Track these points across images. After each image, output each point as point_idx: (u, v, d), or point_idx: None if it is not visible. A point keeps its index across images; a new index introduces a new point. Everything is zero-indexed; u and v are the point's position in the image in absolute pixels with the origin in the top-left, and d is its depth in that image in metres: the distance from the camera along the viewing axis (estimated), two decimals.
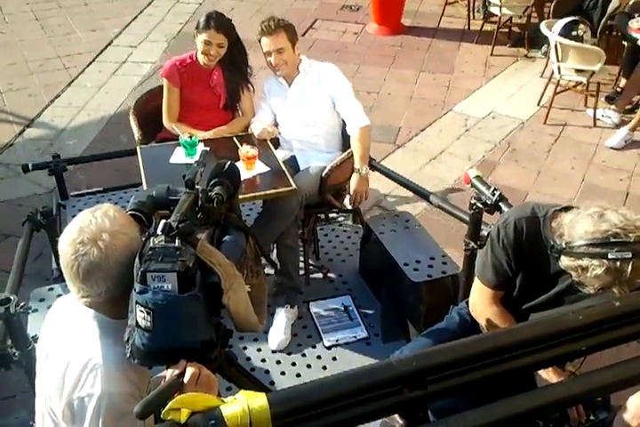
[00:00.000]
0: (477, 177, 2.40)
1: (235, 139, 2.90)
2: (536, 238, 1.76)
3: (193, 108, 3.12)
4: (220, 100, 3.09)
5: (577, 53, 4.43)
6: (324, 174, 2.80)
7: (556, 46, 4.47)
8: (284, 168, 2.73)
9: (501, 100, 4.88)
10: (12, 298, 1.85)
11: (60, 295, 2.32)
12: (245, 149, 2.65)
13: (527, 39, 5.65)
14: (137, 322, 1.20)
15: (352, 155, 2.84)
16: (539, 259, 1.78)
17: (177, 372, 1.21)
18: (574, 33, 4.45)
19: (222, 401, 0.88)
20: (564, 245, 1.60)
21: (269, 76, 3.03)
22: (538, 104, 4.81)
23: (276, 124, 3.04)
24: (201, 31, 2.90)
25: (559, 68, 4.55)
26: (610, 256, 1.51)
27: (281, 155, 2.94)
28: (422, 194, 2.96)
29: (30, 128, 4.64)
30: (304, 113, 2.93)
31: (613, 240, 1.52)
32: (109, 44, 5.84)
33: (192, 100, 3.10)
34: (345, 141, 3.00)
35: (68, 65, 5.45)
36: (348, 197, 2.94)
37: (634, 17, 4.54)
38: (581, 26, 4.52)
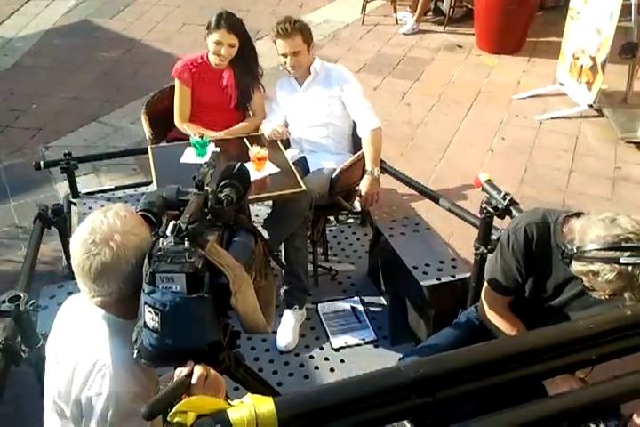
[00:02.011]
0: (488, 181, 2.38)
1: (245, 139, 2.90)
2: (546, 244, 1.75)
3: (204, 108, 3.12)
4: (230, 101, 3.09)
5: None
6: (334, 176, 2.80)
7: None
8: (294, 169, 2.73)
9: (336, 13, 6.76)
10: (22, 295, 1.86)
11: (70, 293, 2.33)
12: (255, 150, 2.65)
13: None
14: (145, 323, 1.20)
15: (363, 157, 2.83)
16: (549, 265, 1.77)
17: (185, 373, 1.21)
18: None
19: (229, 404, 0.88)
20: (575, 250, 1.59)
21: (282, 77, 3.03)
22: (360, 13, 6.58)
23: (287, 125, 3.04)
24: (212, 31, 2.90)
25: None
26: (622, 261, 1.50)
27: (290, 155, 2.94)
28: (432, 197, 2.95)
29: None
30: (314, 114, 2.93)
31: (625, 245, 1.51)
32: None
33: (203, 101, 3.11)
34: (355, 143, 3.00)
35: (8, 3, 7.01)
36: (357, 198, 2.93)
37: None
38: None
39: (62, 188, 3.80)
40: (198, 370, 1.21)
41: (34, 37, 6.24)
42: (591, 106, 4.68)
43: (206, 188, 1.45)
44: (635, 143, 4.32)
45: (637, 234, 1.52)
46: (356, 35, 6.26)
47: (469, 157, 4.26)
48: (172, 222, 1.25)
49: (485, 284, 1.96)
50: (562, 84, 5.01)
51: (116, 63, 5.51)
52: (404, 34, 6.24)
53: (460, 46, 6.00)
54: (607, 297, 1.60)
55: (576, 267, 1.60)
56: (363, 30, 6.36)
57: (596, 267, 1.54)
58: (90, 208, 3.09)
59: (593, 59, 4.55)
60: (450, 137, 4.47)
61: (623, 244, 1.51)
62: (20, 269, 2.31)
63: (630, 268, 1.49)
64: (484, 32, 5.78)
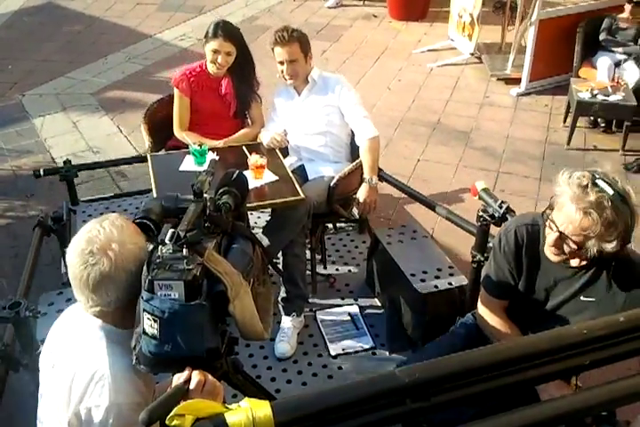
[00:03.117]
0: (485, 189, 2.41)
1: (244, 148, 2.92)
2: (535, 246, 1.79)
3: (203, 116, 3.14)
4: (229, 109, 3.12)
5: None
6: (332, 184, 2.81)
7: None
8: (293, 177, 2.75)
9: None
10: (22, 302, 1.87)
11: (69, 300, 2.34)
12: (254, 159, 2.67)
13: None
14: (144, 329, 1.21)
15: (361, 165, 2.85)
16: (538, 266, 1.81)
17: (182, 379, 1.21)
18: None
19: (227, 408, 0.89)
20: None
21: (280, 86, 3.06)
22: None
23: (286, 134, 3.06)
24: (209, 40, 2.92)
25: None
26: (597, 180, 1.57)
27: (289, 163, 2.96)
28: (429, 204, 2.97)
29: None
30: (312, 123, 2.95)
31: (599, 177, 1.59)
32: None
33: (202, 109, 3.13)
34: (353, 152, 3.02)
35: None
36: (355, 206, 2.95)
37: None
38: None
39: (38, 122, 4.95)
40: (196, 376, 1.21)
41: (4, 16, 7.12)
42: (472, 54, 5.88)
43: (205, 195, 1.46)
44: (503, 79, 5.54)
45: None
46: (287, 9, 7.31)
47: (371, 93, 5.22)
48: (171, 230, 1.27)
49: (482, 289, 1.98)
50: (452, 40, 6.19)
51: (78, 34, 6.67)
52: (328, 7, 7.29)
53: (375, 16, 7.15)
54: (573, 242, 1.62)
55: (555, 191, 1.65)
56: (294, 5, 7.42)
57: (568, 187, 1.60)
58: (89, 216, 3.11)
59: (471, 15, 5.67)
60: (357, 80, 5.49)
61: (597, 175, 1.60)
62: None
63: (596, 191, 1.55)
64: (395, 3, 7.03)
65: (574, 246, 1.62)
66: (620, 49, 4.75)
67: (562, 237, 1.63)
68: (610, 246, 1.58)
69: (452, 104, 5.15)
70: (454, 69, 5.79)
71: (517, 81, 5.33)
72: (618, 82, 4.45)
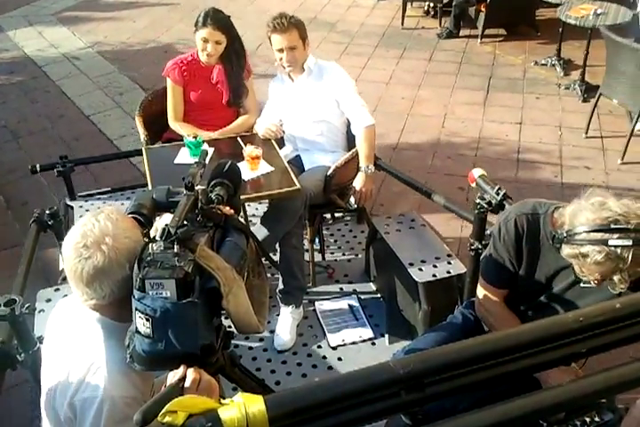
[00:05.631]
0: (482, 176, 2.39)
1: (239, 139, 2.90)
2: (536, 235, 1.77)
3: (197, 106, 3.12)
4: (222, 98, 3.09)
5: None
6: (328, 174, 2.80)
7: None
8: (289, 168, 2.73)
9: None
10: (17, 299, 1.86)
11: (66, 296, 2.33)
12: (249, 149, 2.65)
13: None
14: (137, 328, 1.20)
15: (357, 154, 2.83)
16: (538, 256, 1.79)
17: (177, 377, 1.20)
18: None
19: (220, 404, 0.88)
20: (565, 234, 1.61)
21: (275, 74, 3.03)
22: None
23: (281, 124, 3.03)
24: (199, 29, 2.91)
25: None
26: (610, 243, 1.51)
27: (284, 154, 2.94)
28: (426, 193, 2.95)
29: None
30: (308, 112, 2.93)
31: (614, 227, 1.52)
32: None
33: (196, 99, 3.10)
34: (350, 141, 3.00)
35: None
36: (352, 196, 2.93)
37: None
38: None
39: (12, 33, 6.66)
40: (191, 374, 1.20)
41: None
42: None
43: (196, 188, 1.44)
44: None
45: (626, 216, 1.53)
46: None
47: (265, 1, 7.06)
48: (162, 226, 1.25)
49: (481, 278, 1.96)
50: None
51: None
52: None
53: None
54: (597, 282, 1.61)
55: (566, 250, 1.61)
56: None
57: (585, 249, 1.55)
58: (87, 211, 3.09)
59: None
60: None
61: (612, 226, 1.53)
62: None
63: (619, 250, 1.51)
64: None
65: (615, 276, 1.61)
66: None
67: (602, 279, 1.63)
68: None
69: (327, 7, 7.30)
70: None
71: None
72: None
